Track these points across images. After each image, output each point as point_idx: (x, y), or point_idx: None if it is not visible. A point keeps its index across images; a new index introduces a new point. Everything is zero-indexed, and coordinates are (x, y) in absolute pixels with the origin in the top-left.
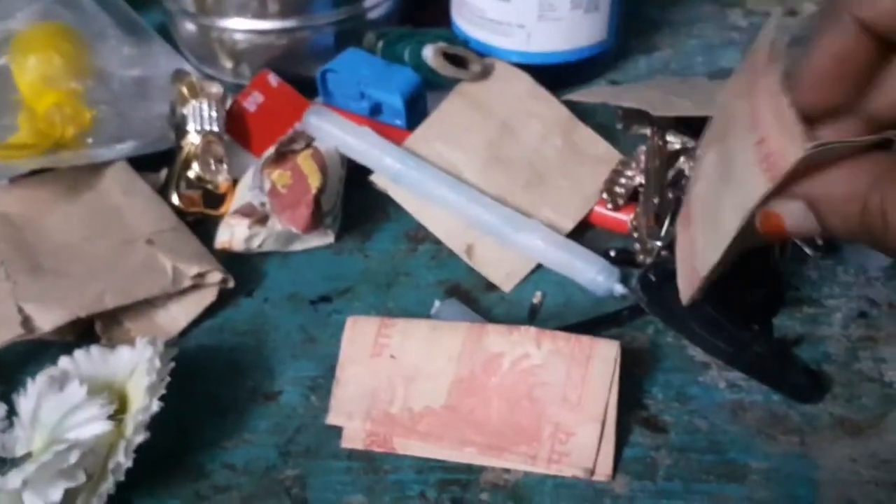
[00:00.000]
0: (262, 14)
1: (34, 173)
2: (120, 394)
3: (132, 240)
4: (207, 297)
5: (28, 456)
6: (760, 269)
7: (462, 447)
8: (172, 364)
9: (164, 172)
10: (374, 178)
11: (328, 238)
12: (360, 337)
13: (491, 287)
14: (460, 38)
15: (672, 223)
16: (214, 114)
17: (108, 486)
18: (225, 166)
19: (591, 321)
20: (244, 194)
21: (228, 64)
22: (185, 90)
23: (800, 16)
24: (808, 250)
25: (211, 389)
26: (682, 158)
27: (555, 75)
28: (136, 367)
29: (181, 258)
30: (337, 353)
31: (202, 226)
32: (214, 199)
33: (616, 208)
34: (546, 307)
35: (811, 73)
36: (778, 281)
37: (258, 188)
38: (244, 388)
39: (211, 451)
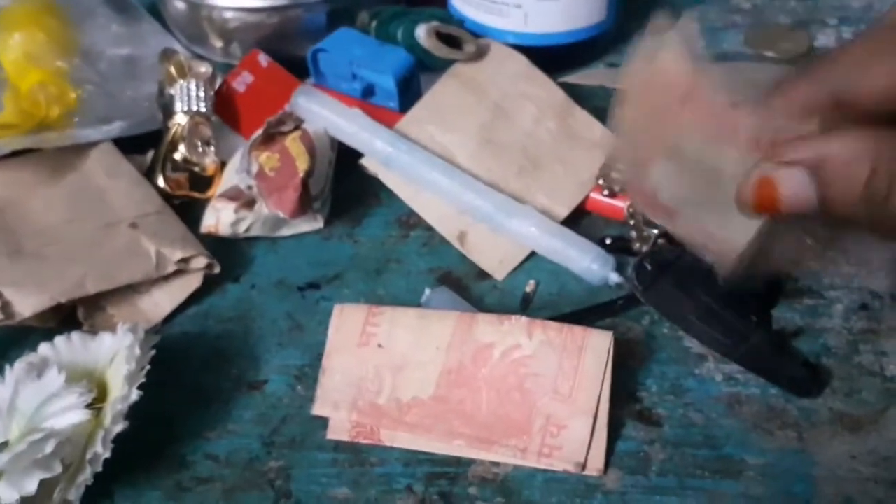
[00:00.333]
0: None
1: (17, 153)
2: (100, 382)
3: (115, 223)
4: (192, 282)
5: (4, 445)
6: None
7: (451, 439)
8: (153, 352)
9: (150, 154)
10: (364, 161)
11: (317, 223)
12: (347, 325)
13: (483, 275)
14: (455, 17)
15: None
16: (202, 94)
17: (86, 476)
18: (212, 148)
19: (585, 311)
20: (231, 177)
21: (218, 43)
22: (172, 70)
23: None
24: (808, 240)
25: (195, 378)
26: None
27: (552, 57)
28: (116, 354)
29: (165, 242)
30: (324, 342)
31: (189, 209)
32: (202, 181)
33: (612, 195)
34: (539, 296)
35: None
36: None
37: (245, 171)
38: (229, 376)
39: (194, 441)
